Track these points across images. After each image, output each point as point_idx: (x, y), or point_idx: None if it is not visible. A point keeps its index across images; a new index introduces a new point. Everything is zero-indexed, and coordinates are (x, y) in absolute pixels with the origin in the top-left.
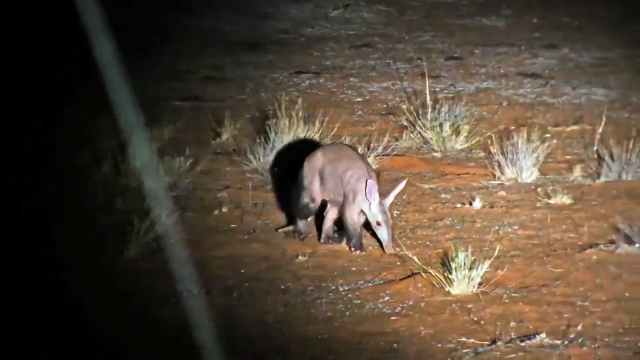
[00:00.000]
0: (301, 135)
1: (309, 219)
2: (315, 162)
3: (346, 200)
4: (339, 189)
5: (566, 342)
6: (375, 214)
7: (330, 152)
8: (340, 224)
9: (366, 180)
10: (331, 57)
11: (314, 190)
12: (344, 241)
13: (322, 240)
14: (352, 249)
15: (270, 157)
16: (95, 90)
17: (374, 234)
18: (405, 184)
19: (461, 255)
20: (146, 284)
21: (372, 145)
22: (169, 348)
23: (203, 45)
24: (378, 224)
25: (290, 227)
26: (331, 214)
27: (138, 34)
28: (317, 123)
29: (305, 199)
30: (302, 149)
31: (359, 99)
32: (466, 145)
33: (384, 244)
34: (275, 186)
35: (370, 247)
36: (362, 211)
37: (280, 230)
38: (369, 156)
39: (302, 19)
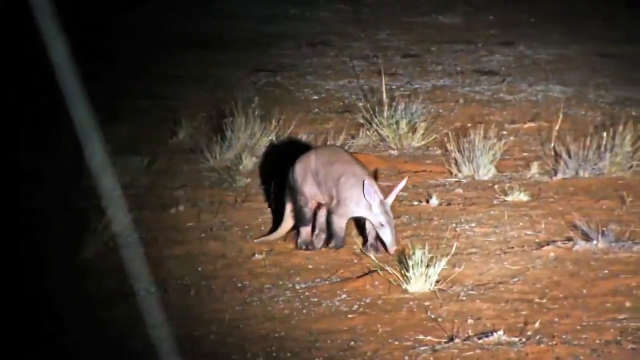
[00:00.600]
0: (258, 135)
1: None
2: (307, 165)
3: (338, 203)
4: (333, 192)
5: (523, 340)
6: (377, 215)
7: (323, 155)
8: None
9: (363, 182)
10: (288, 56)
11: (306, 193)
12: (321, 244)
13: (300, 247)
14: (333, 248)
15: (228, 155)
16: (52, 88)
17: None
18: (405, 182)
19: (418, 252)
20: (103, 283)
21: (328, 143)
22: (124, 346)
23: (163, 43)
24: (381, 224)
25: (269, 238)
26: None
27: (100, 33)
28: (273, 121)
29: (300, 203)
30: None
31: (315, 97)
32: (423, 142)
33: (387, 244)
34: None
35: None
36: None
37: (257, 240)
38: None
39: (261, 17)
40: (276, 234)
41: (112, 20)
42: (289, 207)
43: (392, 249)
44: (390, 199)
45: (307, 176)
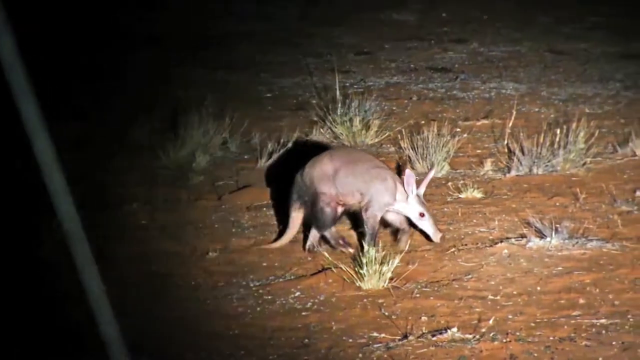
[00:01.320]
0: (211, 132)
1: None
2: (323, 167)
3: (370, 200)
4: (362, 190)
5: (477, 337)
6: (415, 207)
7: (339, 155)
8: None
9: (406, 171)
10: (242, 53)
11: (327, 193)
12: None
13: (309, 248)
14: (367, 246)
15: (182, 153)
16: None
17: (413, 226)
18: (434, 171)
19: (372, 250)
20: (54, 282)
21: (282, 140)
22: (76, 345)
23: (113, 40)
24: (422, 215)
25: (275, 245)
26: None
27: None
28: (227, 119)
29: (321, 205)
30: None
31: (269, 95)
32: (376, 140)
33: (431, 234)
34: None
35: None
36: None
37: (264, 246)
38: (279, 151)
39: (213, 15)
40: (282, 240)
41: (63, 15)
42: (294, 214)
43: (437, 237)
44: (422, 190)
45: (323, 178)
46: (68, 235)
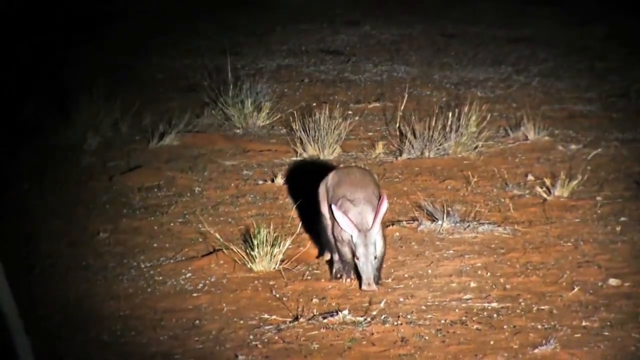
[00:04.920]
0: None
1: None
2: (324, 185)
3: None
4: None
5: (368, 319)
6: (355, 246)
7: (337, 174)
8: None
9: (330, 207)
10: (133, 36)
11: (327, 215)
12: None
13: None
14: (333, 276)
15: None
16: None
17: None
18: (386, 205)
19: (263, 232)
20: None
21: (173, 122)
22: None
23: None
24: (357, 257)
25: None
26: None
27: None
28: (117, 100)
29: (322, 226)
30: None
31: (160, 76)
32: (268, 122)
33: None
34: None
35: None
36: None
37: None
38: (170, 133)
39: None
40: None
41: None
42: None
43: (363, 286)
44: (375, 229)
45: (324, 196)
46: None
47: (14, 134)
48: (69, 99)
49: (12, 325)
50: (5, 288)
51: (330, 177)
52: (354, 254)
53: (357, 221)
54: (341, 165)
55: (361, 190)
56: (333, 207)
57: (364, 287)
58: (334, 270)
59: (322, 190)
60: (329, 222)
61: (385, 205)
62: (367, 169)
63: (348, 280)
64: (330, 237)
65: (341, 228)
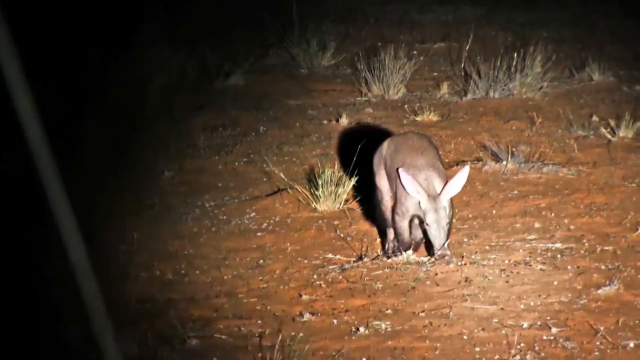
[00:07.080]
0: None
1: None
2: (380, 153)
3: (396, 201)
4: (394, 187)
5: (432, 260)
6: (426, 213)
7: (394, 141)
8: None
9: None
10: None
11: (382, 188)
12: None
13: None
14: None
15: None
16: None
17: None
18: (467, 173)
19: (327, 171)
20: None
21: (238, 62)
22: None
23: None
24: (427, 224)
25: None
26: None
27: None
28: (183, 42)
29: (376, 199)
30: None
31: (226, 16)
32: (333, 62)
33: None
34: None
35: (237, 165)
36: None
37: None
38: (235, 73)
39: None
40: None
41: None
42: None
43: (436, 253)
44: (445, 195)
45: (380, 167)
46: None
47: (83, 80)
48: (135, 41)
49: (80, 270)
50: (75, 232)
51: (386, 145)
52: (421, 221)
53: (424, 187)
54: (396, 133)
55: (423, 155)
56: (400, 170)
57: (437, 253)
58: (386, 247)
59: (376, 160)
60: (385, 195)
61: (466, 173)
62: (424, 133)
63: (402, 256)
64: (387, 211)
65: (406, 196)
